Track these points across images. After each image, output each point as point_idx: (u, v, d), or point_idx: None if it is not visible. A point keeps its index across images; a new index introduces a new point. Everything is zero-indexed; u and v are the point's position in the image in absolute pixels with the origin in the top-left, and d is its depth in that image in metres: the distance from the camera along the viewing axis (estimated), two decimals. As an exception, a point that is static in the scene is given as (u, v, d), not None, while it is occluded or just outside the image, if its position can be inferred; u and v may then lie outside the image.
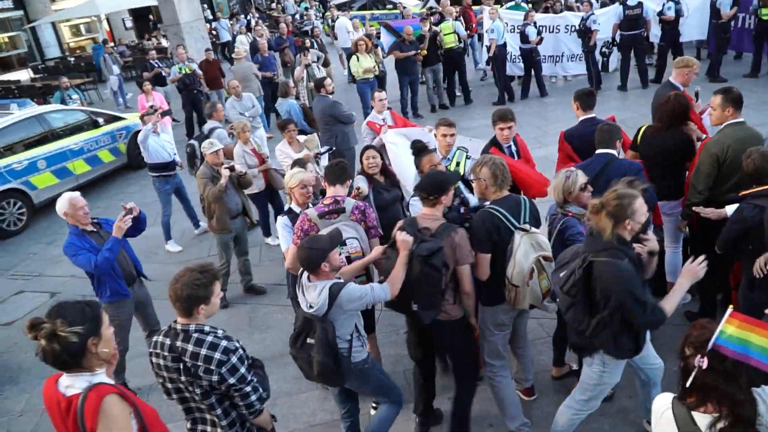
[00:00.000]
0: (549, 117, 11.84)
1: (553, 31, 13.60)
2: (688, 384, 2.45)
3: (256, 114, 10.41)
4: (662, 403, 2.60)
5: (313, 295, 3.58)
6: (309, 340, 3.68)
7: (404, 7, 19.54)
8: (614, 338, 3.45)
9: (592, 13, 12.73)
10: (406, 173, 5.95)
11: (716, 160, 4.73)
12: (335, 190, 4.65)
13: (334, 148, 7.94)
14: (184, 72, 13.35)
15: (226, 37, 23.70)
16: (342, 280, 3.71)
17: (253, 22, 23.24)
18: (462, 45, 13.16)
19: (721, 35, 12.27)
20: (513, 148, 5.62)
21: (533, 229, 4.01)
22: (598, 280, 3.36)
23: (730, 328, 2.40)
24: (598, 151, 4.85)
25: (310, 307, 3.59)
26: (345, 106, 8.91)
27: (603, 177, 4.54)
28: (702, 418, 2.43)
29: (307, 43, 13.26)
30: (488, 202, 4.15)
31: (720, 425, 2.38)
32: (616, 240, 3.36)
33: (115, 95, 18.52)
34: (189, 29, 17.28)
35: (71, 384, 2.55)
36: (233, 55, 14.04)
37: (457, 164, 5.55)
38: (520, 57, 13.36)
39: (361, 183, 5.51)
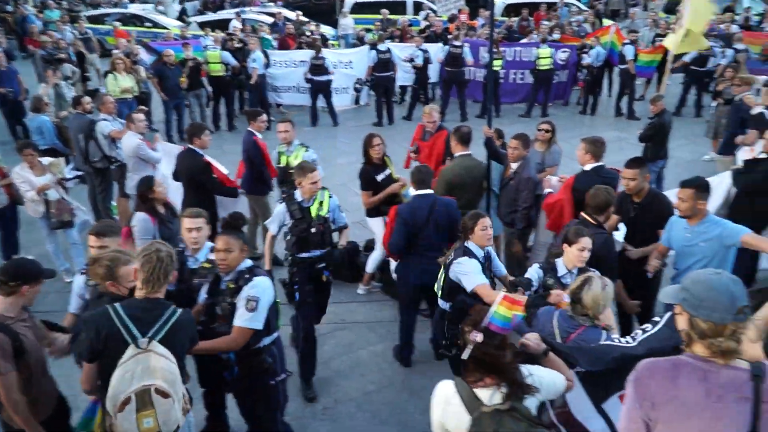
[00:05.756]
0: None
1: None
2: (466, 356, 2.80)
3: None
4: (446, 390, 2.85)
5: None
6: None
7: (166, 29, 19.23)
8: None
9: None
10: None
11: (449, 183, 5.95)
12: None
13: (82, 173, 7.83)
14: None
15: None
16: None
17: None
18: (230, 73, 13.43)
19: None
20: None
21: (158, 349, 3.17)
22: None
23: (500, 308, 2.82)
24: (419, 192, 5.38)
25: None
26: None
27: (432, 216, 5.25)
28: (483, 392, 2.75)
29: (62, 55, 12.51)
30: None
31: (500, 393, 2.73)
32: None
33: None
34: None
35: None
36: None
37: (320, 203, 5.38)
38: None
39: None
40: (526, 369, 2.88)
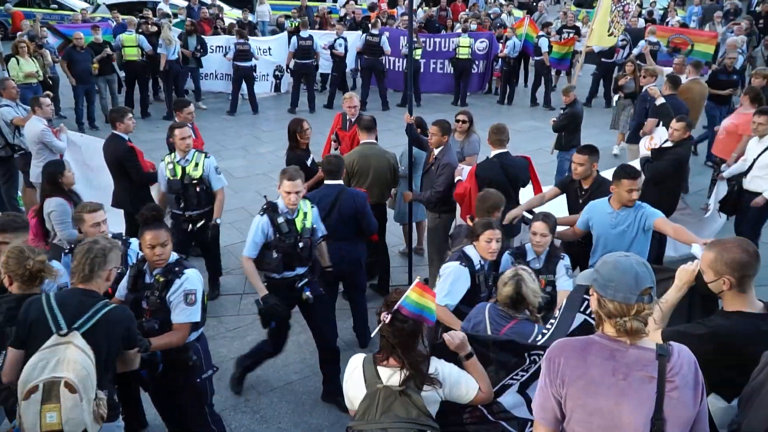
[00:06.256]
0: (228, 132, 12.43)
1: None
2: (373, 334, 2.92)
3: None
4: (356, 362, 3.00)
5: None
6: None
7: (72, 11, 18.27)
8: None
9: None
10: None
11: (346, 170, 5.88)
12: None
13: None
14: None
15: None
16: None
17: None
18: (144, 58, 12.92)
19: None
20: None
21: (77, 341, 3.07)
22: None
23: (413, 294, 2.89)
24: (328, 182, 5.36)
25: None
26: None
27: (336, 206, 5.20)
28: (385, 371, 2.88)
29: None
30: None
31: (399, 375, 2.84)
32: None
33: None
34: None
35: None
36: None
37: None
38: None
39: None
40: (435, 363, 2.96)
